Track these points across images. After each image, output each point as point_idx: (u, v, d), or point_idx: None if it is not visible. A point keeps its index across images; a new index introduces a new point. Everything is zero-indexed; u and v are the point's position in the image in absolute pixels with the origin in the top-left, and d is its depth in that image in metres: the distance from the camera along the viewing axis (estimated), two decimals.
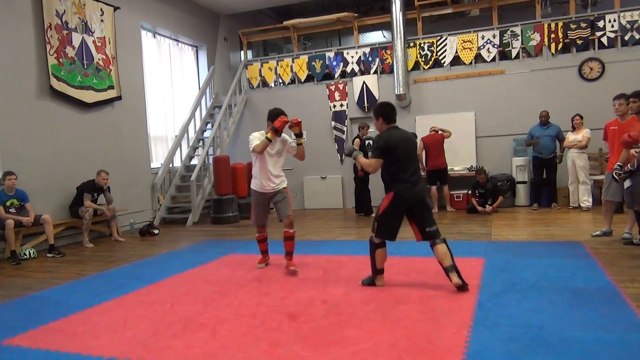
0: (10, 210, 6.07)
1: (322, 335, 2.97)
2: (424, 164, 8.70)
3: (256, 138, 4.48)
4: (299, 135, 4.55)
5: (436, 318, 3.15)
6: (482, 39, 9.32)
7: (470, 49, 9.39)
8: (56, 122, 7.16)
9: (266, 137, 4.38)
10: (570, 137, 7.93)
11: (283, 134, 4.56)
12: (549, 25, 8.93)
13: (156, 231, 7.74)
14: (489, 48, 9.29)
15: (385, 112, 3.86)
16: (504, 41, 9.20)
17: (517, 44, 9.12)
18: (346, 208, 10.19)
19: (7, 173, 6.08)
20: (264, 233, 4.83)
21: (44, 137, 6.95)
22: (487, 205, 8.07)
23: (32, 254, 6.17)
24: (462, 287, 3.69)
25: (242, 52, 11.91)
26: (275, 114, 4.46)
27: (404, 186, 3.76)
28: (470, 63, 9.42)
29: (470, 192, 8.43)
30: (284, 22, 10.91)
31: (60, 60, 7.16)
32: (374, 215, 8.13)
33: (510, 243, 5.62)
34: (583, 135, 7.76)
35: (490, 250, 5.22)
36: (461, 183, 8.95)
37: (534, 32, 9.01)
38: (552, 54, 8.96)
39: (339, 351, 2.71)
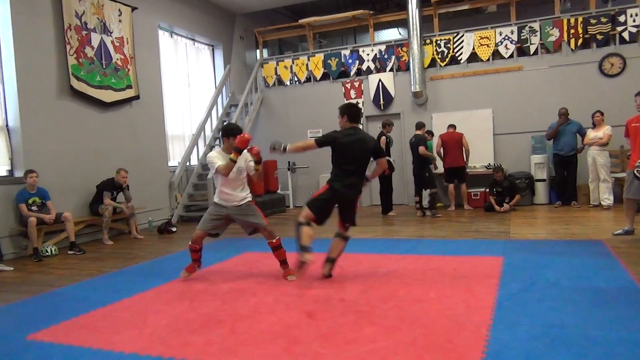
0: (32, 208, 6.19)
1: (340, 333, 2.97)
2: (442, 162, 8.66)
3: (217, 159, 4.27)
4: (257, 162, 4.38)
5: (455, 317, 3.13)
6: (500, 35, 9.21)
7: (487, 45, 9.29)
8: (76, 121, 7.27)
9: (230, 159, 4.17)
10: (591, 134, 7.80)
11: (245, 152, 4.36)
12: (569, 20, 8.79)
13: (174, 229, 7.82)
14: (506, 44, 9.18)
15: (350, 111, 4.19)
16: (522, 37, 9.09)
17: (535, 39, 9.00)
18: (362, 207, 10.17)
19: (28, 171, 6.20)
20: (200, 245, 4.49)
21: (64, 136, 7.06)
22: (504, 204, 7.99)
23: (53, 251, 6.29)
24: (328, 277, 4.23)
25: (257, 50, 11.96)
26: (231, 129, 4.32)
27: (340, 183, 4.09)
28: (488, 60, 9.32)
29: (487, 190, 8.36)
30: (300, 21, 10.93)
31: (80, 60, 7.26)
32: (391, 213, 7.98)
33: (529, 241, 5.56)
34: (604, 133, 7.63)
35: (509, 248, 5.16)
36: (478, 181, 8.87)
37: (552, 28, 8.88)
38: (572, 49, 8.82)
39: (357, 349, 2.71)
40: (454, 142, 8.40)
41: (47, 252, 6.22)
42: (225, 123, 4.33)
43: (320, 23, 10.94)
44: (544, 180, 8.61)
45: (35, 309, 3.88)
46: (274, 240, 4.41)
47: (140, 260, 5.70)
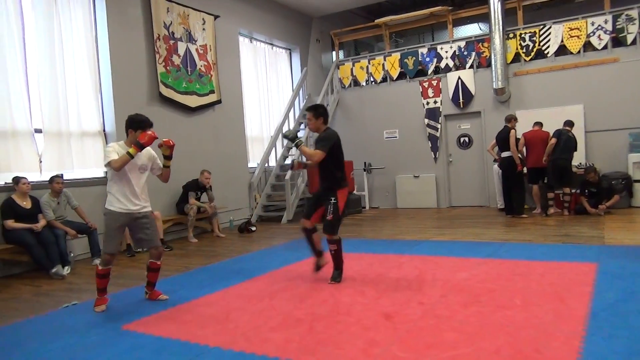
0: None
1: (419, 337, 2.90)
2: (525, 161, 8.20)
3: (114, 151, 3.73)
4: (168, 157, 3.98)
5: (543, 326, 2.95)
6: (592, 25, 8.58)
7: (578, 37, 8.68)
8: (164, 125, 7.70)
9: (127, 152, 3.67)
10: None
11: (150, 149, 3.96)
12: None
13: (254, 228, 8.07)
14: (600, 35, 8.53)
15: (325, 113, 4.40)
16: (617, 26, 8.40)
17: (633, 28, 8.28)
18: (440, 208, 9.91)
19: None
20: (111, 266, 3.98)
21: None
22: (599, 206, 7.42)
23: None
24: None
25: (333, 52, 12.04)
26: (139, 122, 3.82)
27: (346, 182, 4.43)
28: (578, 52, 8.71)
29: (578, 191, 7.80)
30: (376, 20, 10.85)
31: (168, 68, 7.71)
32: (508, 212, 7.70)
33: (627, 247, 5.11)
34: None
35: (604, 254, 4.78)
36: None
37: None
38: None
39: (438, 354, 2.63)
40: (538, 141, 7.90)
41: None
42: (134, 114, 4.02)
43: (396, 22, 10.80)
44: None
45: (129, 301, 4.16)
46: (158, 262, 4.04)
47: (222, 258, 5.93)
